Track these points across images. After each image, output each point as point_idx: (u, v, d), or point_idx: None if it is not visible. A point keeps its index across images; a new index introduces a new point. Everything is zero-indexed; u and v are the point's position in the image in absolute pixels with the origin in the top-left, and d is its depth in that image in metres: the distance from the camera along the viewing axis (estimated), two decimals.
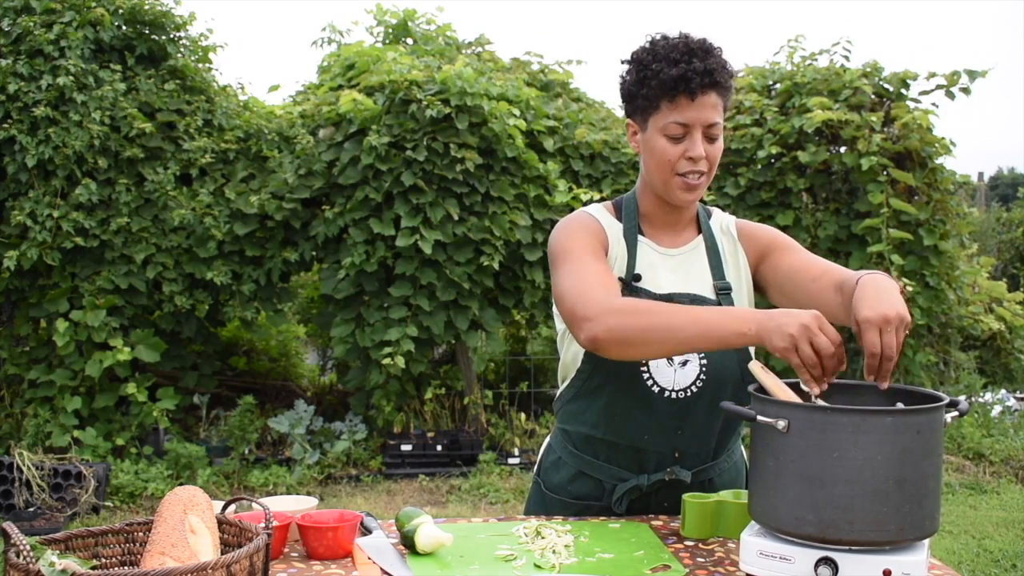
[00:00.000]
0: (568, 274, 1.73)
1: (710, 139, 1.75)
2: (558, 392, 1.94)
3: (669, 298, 1.80)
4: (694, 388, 1.79)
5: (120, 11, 6.15)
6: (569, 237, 1.81)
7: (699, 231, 1.91)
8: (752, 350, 1.82)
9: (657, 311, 1.60)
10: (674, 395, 1.79)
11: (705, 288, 1.85)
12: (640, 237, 1.86)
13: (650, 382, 1.78)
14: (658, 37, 1.79)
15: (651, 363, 1.77)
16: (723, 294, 1.84)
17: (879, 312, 1.48)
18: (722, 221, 1.94)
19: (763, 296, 1.92)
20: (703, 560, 1.60)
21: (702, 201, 1.97)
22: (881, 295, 1.51)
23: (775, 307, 1.68)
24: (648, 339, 1.59)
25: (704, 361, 1.79)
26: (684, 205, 1.83)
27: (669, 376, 1.78)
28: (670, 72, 1.71)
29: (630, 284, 1.81)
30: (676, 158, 1.75)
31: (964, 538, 4.81)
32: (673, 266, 1.86)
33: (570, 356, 1.87)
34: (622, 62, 1.82)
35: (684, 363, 1.78)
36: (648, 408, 1.79)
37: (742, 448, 2.00)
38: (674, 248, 1.88)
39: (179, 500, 1.38)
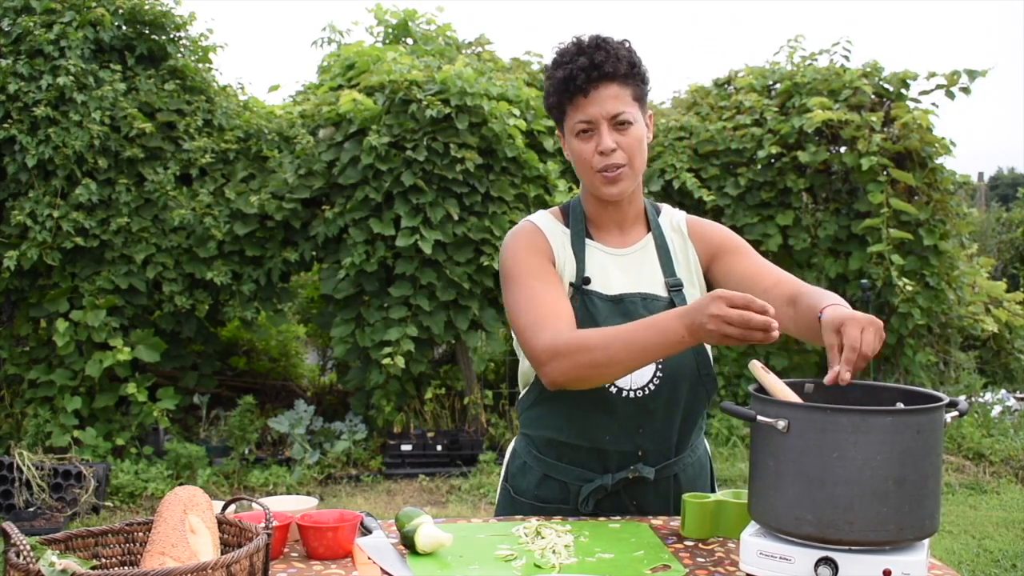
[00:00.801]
0: (518, 305, 1.77)
1: (619, 129, 1.76)
2: (519, 398, 1.96)
3: (620, 299, 1.82)
4: (651, 386, 1.81)
5: (120, 11, 6.15)
6: (516, 260, 1.83)
7: (648, 229, 1.92)
8: (711, 352, 1.86)
9: (595, 345, 1.63)
10: (632, 394, 1.80)
11: (656, 286, 1.86)
12: (588, 240, 1.88)
13: (607, 383, 1.80)
14: (563, 42, 1.83)
15: None
16: (675, 291, 1.86)
17: (862, 315, 1.50)
18: (672, 218, 1.95)
19: None
20: (703, 560, 1.60)
21: (651, 196, 1.99)
22: (850, 312, 1.53)
23: None
24: (600, 373, 1.66)
25: (660, 361, 1.80)
26: (611, 199, 1.83)
27: (625, 376, 1.79)
28: (558, 75, 1.77)
29: (580, 288, 1.83)
30: (591, 155, 1.78)
31: (964, 538, 4.81)
32: (624, 265, 1.87)
33: (528, 363, 1.88)
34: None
35: None
36: (608, 409, 1.81)
37: (706, 443, 2.02)
38: (623, 248, 1.89)
39: (179, 500, 1.38)
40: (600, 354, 1.63)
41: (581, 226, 1.88)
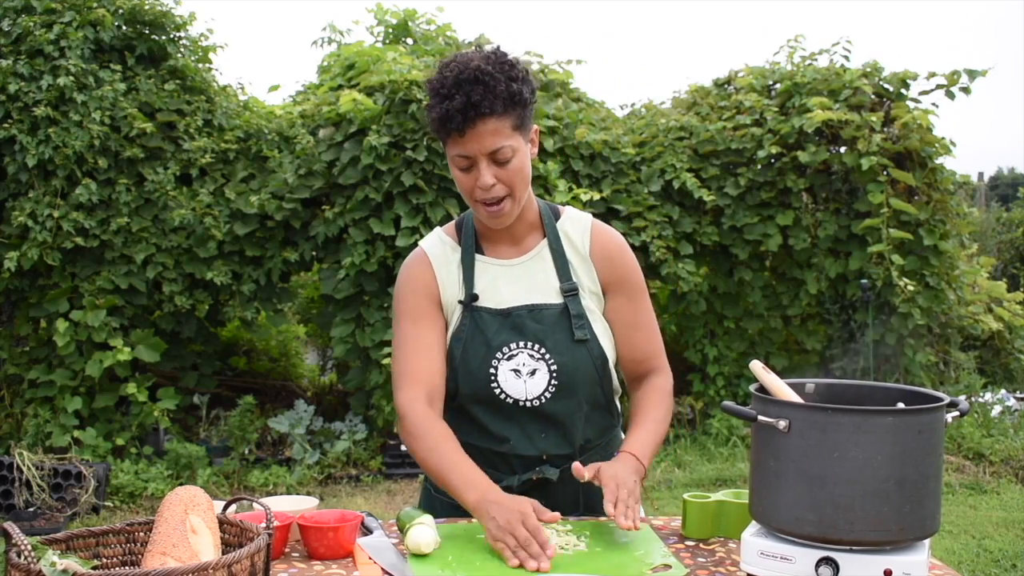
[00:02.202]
0: (394, 347, 1.90)
1: (499, 163, 1.75)
2: None
3: (508, 313, 1.84)
4: (546, 395, 1.84)
5: (120, 11, 6.15)
6: (398, 298, 1.91)
7: (544, 235, 1.91)
8: (611, 354, 1.88)
9: (417, 448, 1.80)
10: (528, 404, 1.84)
11: (549, 294, 1.86)
12: (478, 255, 1.90)
13: (503, 395, 1.84)
14: (445, 64, 1.77)
15: (499, 376, 1.83)
16: (569, 295, 1.86)
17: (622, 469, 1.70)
18: (574, 225, 1.91)
19: None
20: (704, 560, 1.60)
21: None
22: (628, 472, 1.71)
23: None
24: (421, 465, 1.83)
25: (554, 367, 1.82)
26: (496, 227, 1.85)
27: (519, 388, 1.83)
28: (432, 114, 1.73)
29: (469, 305, 1.86)
30: (471, 188, 1.78)
31: (964, 538, 4.81)
32: (517, 275, 1.88)
33: None
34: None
35: (533, 372, 1.83)
36: (508, 417, 1.85)
37: (623, 436, 2.02)
38: (516, 258, 1.90)
39: (180, 500, 1.38)
40: (418, 456, 1.81)
41: (471, 242, 1.90)
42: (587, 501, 1.91)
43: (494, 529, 1.61)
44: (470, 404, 1.87)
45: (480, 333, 1.84)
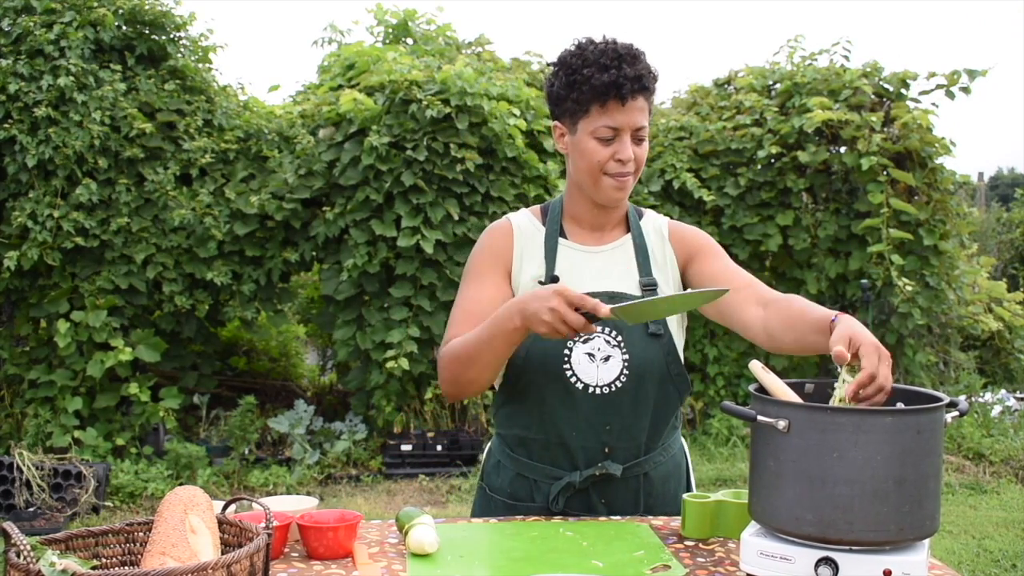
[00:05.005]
0: (454, 306, 1.89)
1: (637, 141, 1.81)
2: (493, 398, 1.99)
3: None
4: (618, 383, 1.82)
5: (120, 11, 6.15)
6: (471, 261, 1.92)
7: (628, 230, 1.95)
8: (680, 345, 1.88)
9: (460, 348, 1.76)
10: (598, 390, 1.82)
11: (629, 285, 1.88)
12: (561, 240, 1.91)
13: (574, 379, 1.82)
14: (585, 41, 1.83)
15: (573, 360, 1.82)
16: (648, 290, 1.87)
17: (878, 344, 1.48)
18: (654, 222, 1.98)
19: None
20: (703, 560, 1.60)
21: (635, 202, 2.01)
22: (868, 334, 1.52)
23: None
24: (469, 376, 1.77)
25: (627, 356, 1.82)
26: (613, 204, 1.87)
27: (592, 372, 1.82)
28: (601, 78, 1.75)
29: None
30: (606, 159, 1.80)
31: (964, 538, 4.81)
32: (597, 263, 1.89)
33: None
34: (548, 64, 1.85)
35: (607, 358, 1.82)
36: (573, 404, 1.82)
37: (683, 442, 2.04)
38: (599, 246, 1.92)
39: (179, 500, 1.38)
40: (463, 355, 1.75)
41: (557, 225, 1.92)
42: (647, 501, 1.89)
43: (546, 329, 1.59)
44: (538, 388, 1.83)
45: None
